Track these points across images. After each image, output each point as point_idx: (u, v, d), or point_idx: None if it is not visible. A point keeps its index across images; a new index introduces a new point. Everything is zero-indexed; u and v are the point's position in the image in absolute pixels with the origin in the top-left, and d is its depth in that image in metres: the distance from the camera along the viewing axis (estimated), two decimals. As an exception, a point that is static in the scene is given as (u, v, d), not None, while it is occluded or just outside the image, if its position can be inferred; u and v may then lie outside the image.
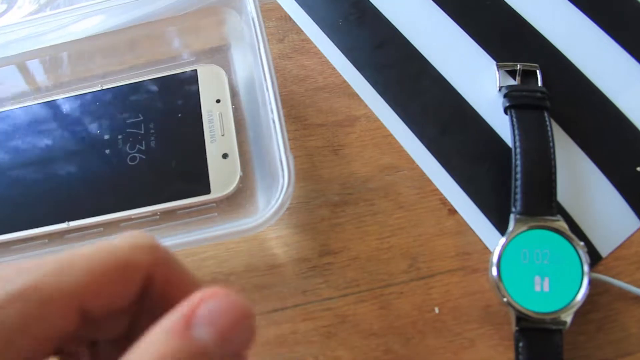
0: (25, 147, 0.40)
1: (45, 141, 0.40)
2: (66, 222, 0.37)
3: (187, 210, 0.37)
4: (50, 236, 0.37)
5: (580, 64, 0.41)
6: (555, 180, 0.35)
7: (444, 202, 0.38)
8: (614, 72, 0.40)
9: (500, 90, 0.40)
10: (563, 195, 0.36)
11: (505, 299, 0.33)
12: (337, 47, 0.43)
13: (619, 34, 0.41)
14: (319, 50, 0.43)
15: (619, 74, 0.40)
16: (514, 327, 0.33)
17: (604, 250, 0.36)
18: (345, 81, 0.42)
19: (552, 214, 0.34)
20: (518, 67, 0.40)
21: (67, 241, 0.37)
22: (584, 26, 0.42)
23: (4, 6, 0.49)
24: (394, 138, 0.40)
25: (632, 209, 0.36)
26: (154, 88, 0.41)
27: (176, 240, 0.33)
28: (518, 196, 0.35)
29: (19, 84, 0.43)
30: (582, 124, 0.39)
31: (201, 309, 0.18)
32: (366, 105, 0.41)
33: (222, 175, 0.37)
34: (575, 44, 0.41)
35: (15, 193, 0.38)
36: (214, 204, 0.37)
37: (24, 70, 0.43)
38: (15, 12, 0.48)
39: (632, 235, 0.36)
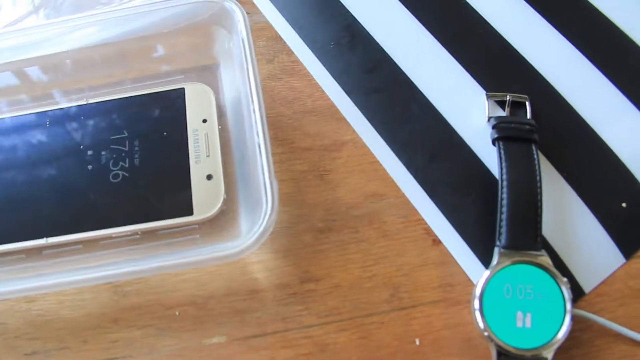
0: (4, 159, 0.39)
1: (27, 154, 0.39)
2: (45, 238, 0.36)
3: (168, 230, 0.37)
4: (28, 252, 0.37)
5: (569, 97, 0.40)
6: (541, 215, 0.35)
7: (428, 232, 0.37)
8: (602, 106, 0.40)
9: (489, 120, 0.39)
10: (548, 228, 0.36)
11: (486, 334, 0.32)
12: (327, 70, 0.43)
13: (609, 68, 0.41)
14: (309, 73, 0.43)
15: (608, 108, 0.40)
16: (494, 362, 0.33)
17: (587, 285, 0.36)
18: (333, 105, 0.41)
19: (537, 249, 0.34)
20: (508, 98, 0.40)
21: (45, 257, 0.36)
22: (574, 59, 0.42)
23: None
24: (381, 165, 0.39)
25: (617, 245, 0.36)
26: (140, 104, 0.40)
27: (157, 263, 0.33)
28: (503, 229, 0.35)
29: (3, 94, 0.42)
30: (570, 158, 0.39)
31: None
32: (354, 131, 0.40)
33: (206, 197, 0.37)
34: (566, 77, 0.41)
35: (-6, 206, 0.38)
36: (197, 226, 0.37)
37: (7, 80, 0.42)
38: (8, 12, 0.48)
39: (616, 271, 0.36)
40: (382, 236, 0.37)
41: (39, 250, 0.37)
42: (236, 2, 0.39)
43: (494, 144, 0.38)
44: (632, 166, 0.38)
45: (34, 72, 0.43)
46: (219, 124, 0.39)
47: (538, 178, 0.36)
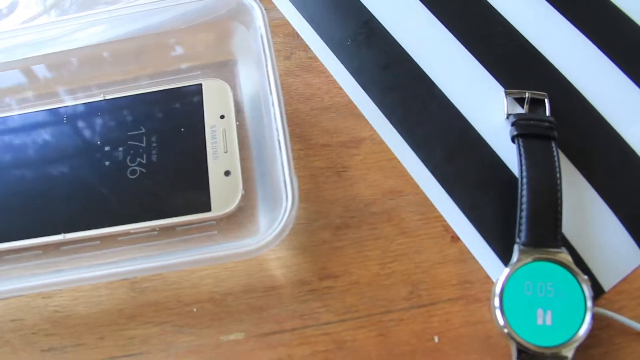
0: (22, 155, 0.39)
1: (44, 150, 0.39)
2: (62, 234, 0.36)
3: (186, 227, 0.36)
4: (45, 247, 0.37)
5: (588, 95, 0.40)
6: (561, 212, 0.35)
7: (447, 229, 0.37)
8: (622, 105, 0.40)
9: (508, 117, 0.39)
10: (567, 226, 0.36)
11: (506, 331, 0.32)
12: (344, 66, 0.42)
13: (630, 67, 0.41)
14: (326, 69, 0.43)
15: (628, 107, 0.40)
16: (514, 360, 0.32)
17: (606, 284, 0.35)
18: (351, 101, 0.41)
19: (557, 246, 0.34)
20: (526, 95, 0.40)
21: (62, 253, 0.36)
22: (593, 57, 0.42)
23: (7, 5, 0.48)
24: (399, 162, 0.39)
25: (637, 243, 0.36)
26: (157, 100, 0.40)
27: (174, 260, 0.32)
28: (523, 227, 0.35)
29: (21, 90, 0.42)
30: (589, 156, 0.38)
31: None
32: (372, 127, 0.40)
33: (224, 193, 0.36)
34: (585, 74, 0.41)
35: (11, 202, 0.38)
36: (214, 222, 0.36)
37: (26, 76, 0.42)
38: (20, 13, 0.48)
39: (636, 269, 0.36)
40: (401, 233, 0.37)
41: (56, 246, 0.37)
42: (254, -3, 0.39)
43: (513, 141, 0.38)
44: (652, 164, 0.38)
45: (49, 68, 0.42)
46: (237, 120, 0.39)
47: (558, 175, 0.36)
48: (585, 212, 0.37)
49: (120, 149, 0.38)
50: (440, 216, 0.37)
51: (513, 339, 0.32)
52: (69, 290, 0.36)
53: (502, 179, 0.38)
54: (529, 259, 0.34)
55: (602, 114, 0.40)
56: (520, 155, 0.37)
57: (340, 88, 0.42)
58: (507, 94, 0.40)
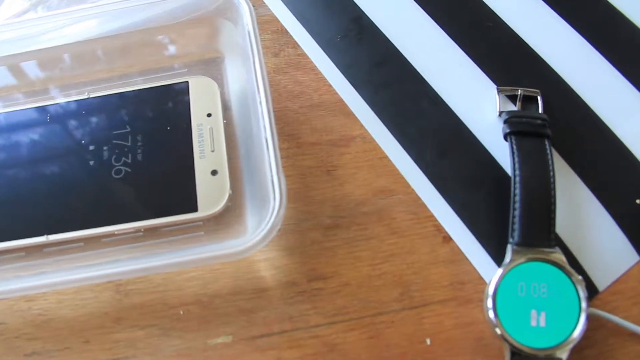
0: (4, 154, 0.38)
1: (26, 150, 0.38)
2: (45, 236, 0.35)
3: (172, 227, 0.36)
4: (28, 249, 0.36)
5: (581, 91, 0.40)
6: (554, 211, 0.34)
7: (439, 228, 0.36)
8: (615, 102, 0.40)
9: (500, 115, 0.39)
10: (561, 225, 0.35)
11: (499, 332, 0.32)
12: (334, 63, 0.42)
13: (622, 63, 0.41)
14: (315, 66, 0.42)
15: (621, 104, 0.39)
16: (507, 362, 0.32)
17: (601, 284, 0.35)
18: (341, 99, 0.41)
19: (551, 246, 0.34)
20: (519, 93, 0.39)
21: (46, 255, 0.36)
22: (586, 54, 0.41)
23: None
24: (390, 160, 0.39)
25: (631, 243, 0.36)
26: (143, 99, 0.39)
27: (160, 261, 0.32)
28: (516, 226, 0.34)
29: (2, 87, 0.41)
30: (582, 154, 0.38)
31: None
32: (362, 125, 0.40)
33: (211, 193, 0.36)
34: (577, 71, 0.41)
35: (-7, 203, 0.37)
36: (201, 223, 0.36)
37: (8, 73, 0.42)
38: (3, 11, 0.47)
39: (630, 269, 0.35)
40: (392, 233, 0.36)
41: (39, 248, 0.36)
42: (242, -6, 0.38)
43: (505, 139, 0.38)
44: (646, 162, 0.38)
45: (33, 65, 0.42)
46: (224, 118, 0.38)
47: (551, 174, 0.35)
48: (579, 211, 0.36)
49: (105, 148, 0.38)
50: (432, 216, 0.37)
51: (506, 340, 0.32)
52: (52, 293, 0.36)
53: (495, 177, 0.38)
54: (523, 259, 0.33)
55: (595, 111, 0.39)
56: (513, 153, 0.36)
57: (330, 85, 0.41)
58: (499, 91, 0.40)
